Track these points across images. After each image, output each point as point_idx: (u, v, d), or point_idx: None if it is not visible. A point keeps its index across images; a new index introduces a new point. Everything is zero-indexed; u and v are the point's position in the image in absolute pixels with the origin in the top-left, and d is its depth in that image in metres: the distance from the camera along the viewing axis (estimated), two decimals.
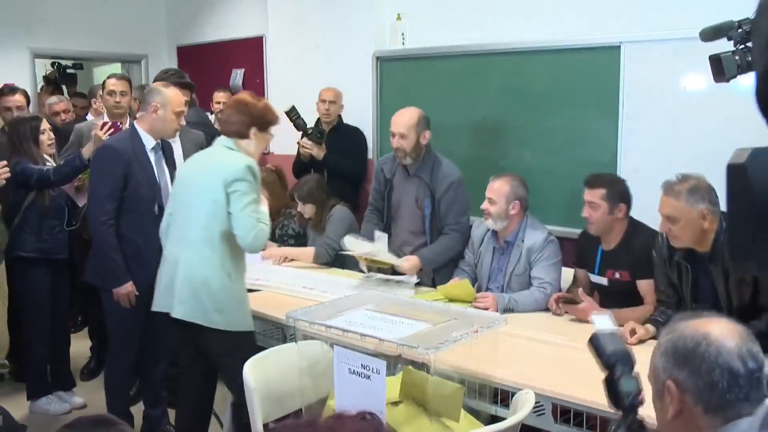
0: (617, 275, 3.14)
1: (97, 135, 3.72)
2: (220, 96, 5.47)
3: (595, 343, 1.62)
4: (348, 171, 4.79)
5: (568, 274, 3.49)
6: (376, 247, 3.57)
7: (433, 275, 3.70)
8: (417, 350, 2.11)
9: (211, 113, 5.46)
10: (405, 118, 3.63)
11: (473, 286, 3.46)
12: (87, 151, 3.74)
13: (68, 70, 6.94)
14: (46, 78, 6.86)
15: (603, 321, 1.73)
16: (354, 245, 3.63)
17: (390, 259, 3.58)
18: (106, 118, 4.37)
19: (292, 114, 4.71)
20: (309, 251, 4.12)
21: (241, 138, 2.93)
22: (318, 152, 4.71)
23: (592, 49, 4.02)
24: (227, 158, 2.89)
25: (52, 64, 6.98)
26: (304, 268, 4.03)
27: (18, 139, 3.83)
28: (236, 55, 6.26)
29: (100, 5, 6.54)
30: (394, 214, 3.83)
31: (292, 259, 4.18)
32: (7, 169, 3.54)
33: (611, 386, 1.56)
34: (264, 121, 2.96)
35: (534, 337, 2.85)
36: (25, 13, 6.16)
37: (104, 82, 4.50)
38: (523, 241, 3.35)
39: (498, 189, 3.36)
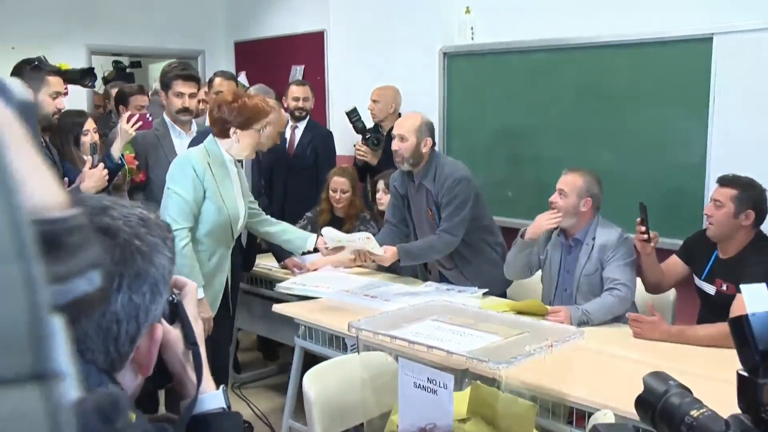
0: (725, 287, 3.10)
1: (124, 128, 3.69)
2: (297, 91, 5.18)
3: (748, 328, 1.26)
4: None
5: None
6: (351, 238, 3.64)
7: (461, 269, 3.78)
8: (487, 364, 2.12)
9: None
10: (408, 122, 3.72)
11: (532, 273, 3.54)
12: (116, 149, 3.68)
13: (127, 70, 7.19)
14: (104, 79, 7.12)
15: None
16: (331, 237, 3.64)
17: (369, 246, 3.60)
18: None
19: (353, 116, 4.78)
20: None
21: (222, 137, 3.22)
22: (372, 159, 4.77)
23: (680, 41, 3.96)
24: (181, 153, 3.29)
25: (114, 63, 7.24)
26: (367, 275, 4.08)
27: (59, 137, 3.73)
28: (296, 50, 6.38)
29: (157, 0, 6.77)
30: (417, 228, 3.91)
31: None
32: (106, 171, 3.56)
33: None
34: (243, 120, 3.18)
35: (614, 353, 2.82)
36: (83, 9, 6.42)
37: (211, 80, 4.88)
38: (593, 239, 3.32)
39: (570, 182, 3.34)
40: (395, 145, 3.69)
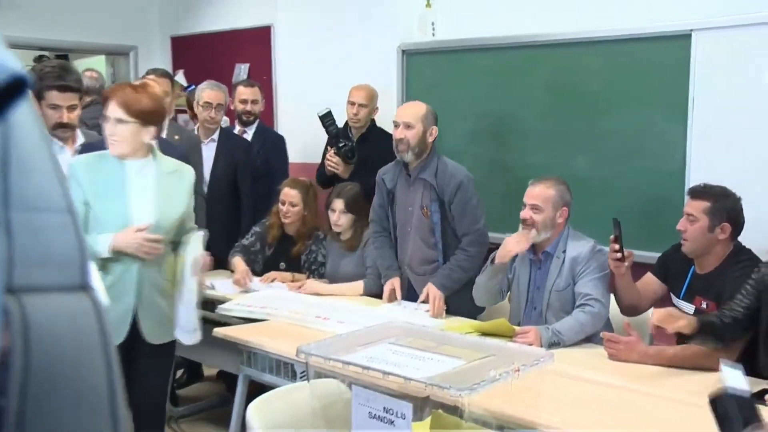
0: (704, 305, 3.14)
1: None
2: (246, 92, 5.17)
3: (721, 407, 1.39)
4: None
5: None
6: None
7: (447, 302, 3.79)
8: (448, 391, 2.13)
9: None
10: (413, 109, 3.85)
11: (504, 297, 3.58)
12: None
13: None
14: None
15: (736, 377, 1.47)
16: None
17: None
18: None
19: (327, 120, 4.72)
20: (356, 286, 4.14)
21: None
22: (344, 172, 4.74)
23: (657, 38, 4.05)
24: None
25: (36, 59, 7.10)
26: (319, 294, 4.08)
27: None
28: (240, 47, 6.36)
29: None
30: (401, 227, 3.93)
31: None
32: None
33: None
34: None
35: (586, 377, 2.87)
36: None
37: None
38: (564, 251, 3.38)
39: (543, 194, 3.39)
40: (399, 133, 3.76)
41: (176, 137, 4.35)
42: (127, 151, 3.13)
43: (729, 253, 3.16)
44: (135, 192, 3.15)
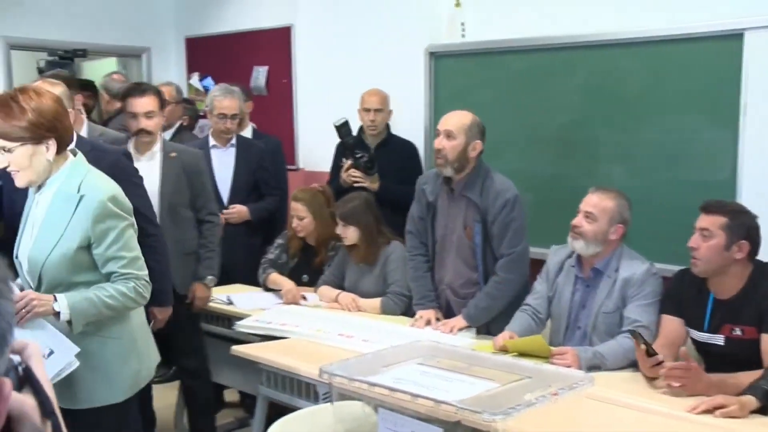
0: (738, 331, 3.04)
1: None
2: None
3: None
4: (406, 200, 4.74)
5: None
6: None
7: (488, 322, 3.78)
8: (481, 416, 2.14)
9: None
10: (457, 118, 3.73)
11: (543, 325, 3.54)
12: None
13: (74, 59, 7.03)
14: (39, 70, 7.01)
15: None
16: None
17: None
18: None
19: (343, 130, 4.77)
20: (373, 304, 4.15)
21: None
22: (372, 184, 4.75)
23: (705, 39, 4.04)
24: None
25: (49, 64, 7.13)
26: (342, 311, 4.09)
27: None
28: (258, 49, 6.42)
29: None
30: (440, 245, 3.88)
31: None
32: None
33: None
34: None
35: (629, 403, 2.85)
36: None
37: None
38: (617, 270, 3.35)
39: (601, 204, 3.37)
40: (438, 142, 3.68)
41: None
42: (33, 179, 2.71)
43: (752, 272, 3.06)
44: (28, 225, 2.83)
